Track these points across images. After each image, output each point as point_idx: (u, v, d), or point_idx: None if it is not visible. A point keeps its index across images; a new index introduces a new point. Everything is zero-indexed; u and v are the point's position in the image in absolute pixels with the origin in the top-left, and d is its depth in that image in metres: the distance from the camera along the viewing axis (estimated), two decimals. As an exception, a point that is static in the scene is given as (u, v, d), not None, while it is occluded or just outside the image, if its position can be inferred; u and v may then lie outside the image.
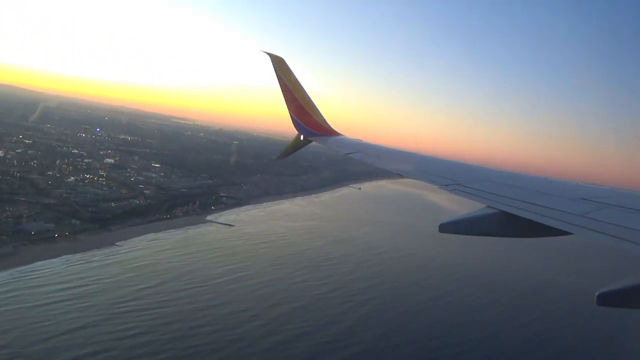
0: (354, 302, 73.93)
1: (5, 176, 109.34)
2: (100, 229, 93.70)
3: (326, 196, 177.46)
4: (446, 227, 6.45)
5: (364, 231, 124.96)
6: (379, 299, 76.47)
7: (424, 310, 73.92)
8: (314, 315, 67.00)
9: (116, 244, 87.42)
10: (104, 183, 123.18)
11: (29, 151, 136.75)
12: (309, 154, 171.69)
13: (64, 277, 69.76)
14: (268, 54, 15.36)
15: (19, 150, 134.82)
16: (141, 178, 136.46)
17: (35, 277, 68.63)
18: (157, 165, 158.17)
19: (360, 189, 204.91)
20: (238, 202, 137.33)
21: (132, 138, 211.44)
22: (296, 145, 16.62)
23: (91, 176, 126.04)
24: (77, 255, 79.01)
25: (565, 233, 5.86)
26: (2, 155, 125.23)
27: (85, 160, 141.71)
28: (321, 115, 16.25)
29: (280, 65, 15.29)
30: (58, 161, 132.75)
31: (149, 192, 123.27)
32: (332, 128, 16.48)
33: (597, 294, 4.79)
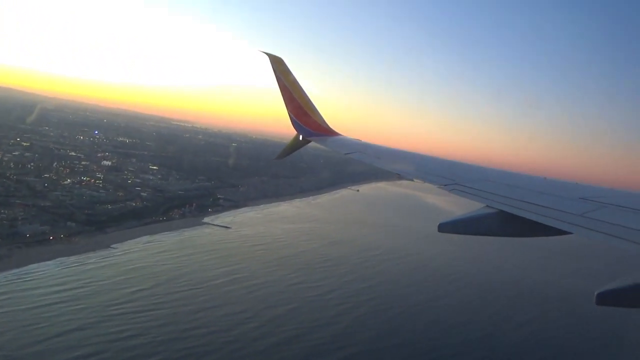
0: (350, 303, 73.73)
1: (2, 179, 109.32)
2: (96, 231, 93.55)
3: (324, 198, 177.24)
4: (445, 226, 6.48)
5: (361, 233, 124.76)
6: (375, 300, 76.35)
7: (421, 311, 73.82)
8: (310, 316, 66.80)
9: (112, 246, 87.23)
10: (100, 185, 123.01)
11: (26, 154, 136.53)
12: (307, 156, 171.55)
13: (59, 280, 69.63)
14: (267, 54, 15.35)
15: (16, 153, 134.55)
16: (138, 180, 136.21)
17: (30, 280, 68.47)
18: (154, 167, 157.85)
19: (358, 190, 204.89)
20: (235, 204, 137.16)
21: (130, 140, 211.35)
22: (295, 145, 16.60)
23: (88, 178, 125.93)
24: (72, 258, 78.82)
25: (564, 233, 5.92)
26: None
27: (83, 163, 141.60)
28: (320, 115, 16.23)
29: (279, 66, 15.29)
30: (55, 164, 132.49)
31: (145, 194, 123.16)
32: (331, 128, 16.44)
33: (596, 293, 4.77)
